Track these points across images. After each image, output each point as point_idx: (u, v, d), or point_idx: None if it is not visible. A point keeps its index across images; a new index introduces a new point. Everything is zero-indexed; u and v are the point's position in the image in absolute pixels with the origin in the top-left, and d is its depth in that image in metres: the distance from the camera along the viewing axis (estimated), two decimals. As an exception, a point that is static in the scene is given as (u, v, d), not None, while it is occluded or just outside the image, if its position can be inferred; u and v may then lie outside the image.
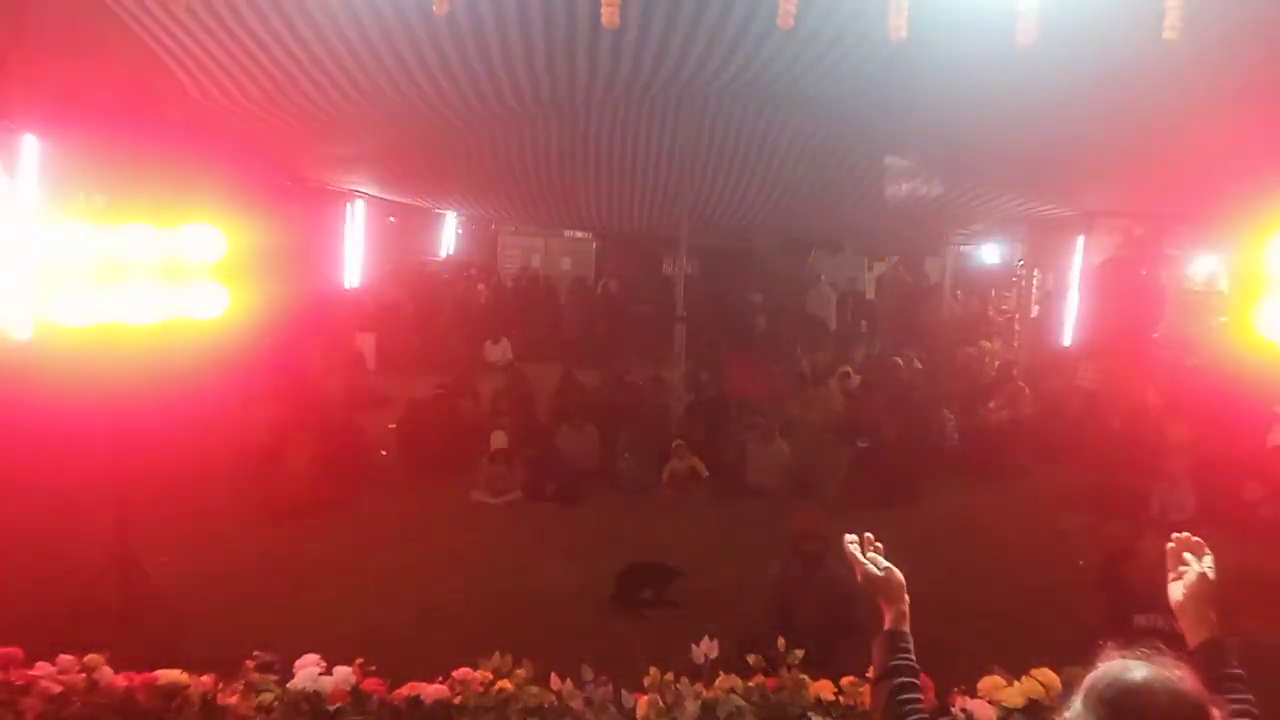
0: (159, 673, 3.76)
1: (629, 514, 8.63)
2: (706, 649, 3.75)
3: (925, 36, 3.87)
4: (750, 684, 3.68)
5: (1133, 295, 11.68)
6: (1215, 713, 1.75)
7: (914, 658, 2.23)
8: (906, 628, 2.26)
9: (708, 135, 10.01)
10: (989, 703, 3.69)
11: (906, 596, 2.29)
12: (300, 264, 12.77)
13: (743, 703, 3.61)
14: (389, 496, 8.86)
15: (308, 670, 3.75)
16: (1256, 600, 5.14)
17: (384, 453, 9.73)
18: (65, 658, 3.77)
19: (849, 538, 2.38)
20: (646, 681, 3.69)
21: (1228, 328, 11.19)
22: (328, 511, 8.03)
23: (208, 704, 3.65)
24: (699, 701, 3.60)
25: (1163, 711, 1.72)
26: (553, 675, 3.69)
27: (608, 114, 9.64)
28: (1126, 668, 1.79)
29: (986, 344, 15.63)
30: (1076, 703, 1.82)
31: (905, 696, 2.15)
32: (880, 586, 2.29)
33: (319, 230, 14.73)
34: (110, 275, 5.18)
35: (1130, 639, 1.90)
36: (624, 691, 3.67)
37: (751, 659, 3.76)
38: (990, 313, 18.01)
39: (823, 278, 18.38)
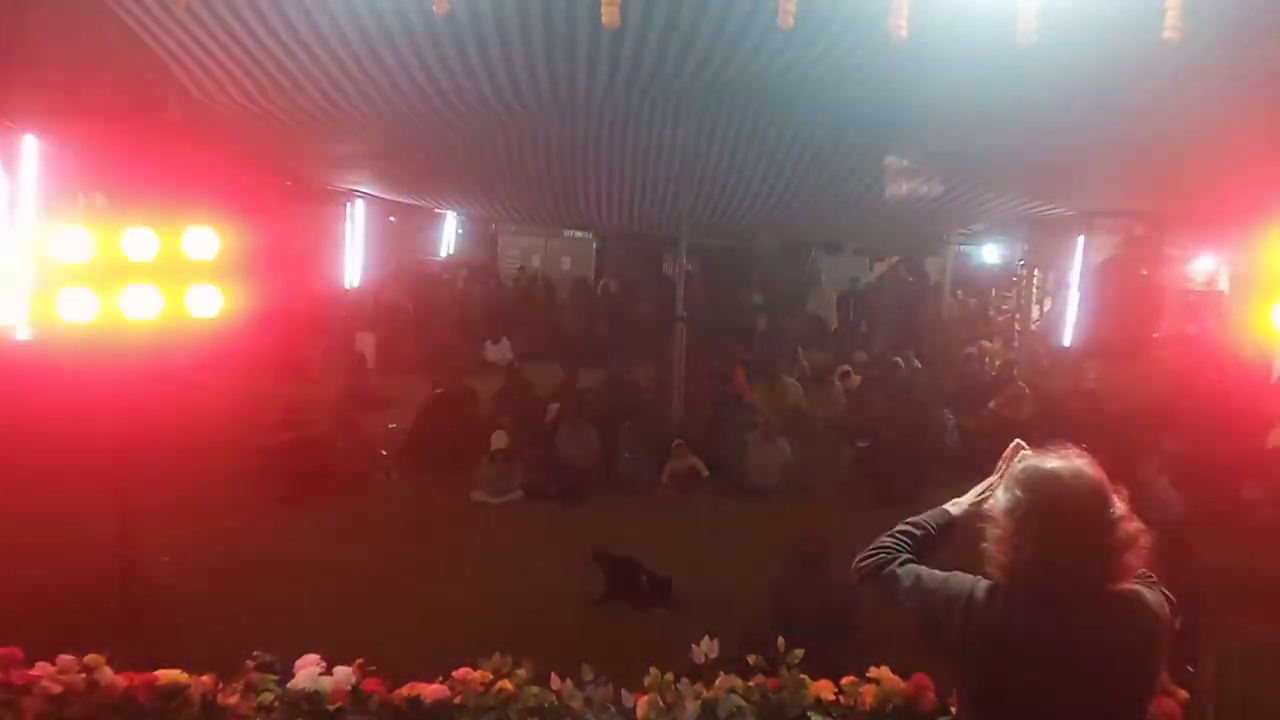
0: (159, 673, 3.75)
1: (629, 514, 8.62)
2: (706, 649, 3.74)
3: (926, 36, 3.86)
4: (750, 684, 3.68)
5: (1133, 295, 11.67)
6: (1114, 497, 2.01)
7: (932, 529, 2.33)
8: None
9: (708, 135, 9.99)
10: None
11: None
12: (300, 264, 12.78)
13: (743, 703, 3.60)
14: (389, 496, 8.86)
15: (308, 670, 3.74)
16: (1256, 600, 5.14)
17: (384, 453, 9.73)
18: (65, 658, 3.76)
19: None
20: (646, 681, 3.68)
21: (1227, 327, 11.18)
22: (323, 506, 8.04)
23: (208, 704, 3.65)
24: (699, 701, 3.60)
25: (1066, 488, 2.00)
26: (553, 675, 3.69)
27: (608, 114, 9.62)
28: (1040, 458, 2.09)
29: (986, 344, 15.61)
30: (999, 489, 2.13)
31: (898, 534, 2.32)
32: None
33: (319, 230, 14.74)
34: (110, 275, 5.17)
35: None
36: (624, 691, 3.67)
37: (751, 659, 3.75)
38: (990, 313, 17.99)
39: (823, 278, 18.37)
